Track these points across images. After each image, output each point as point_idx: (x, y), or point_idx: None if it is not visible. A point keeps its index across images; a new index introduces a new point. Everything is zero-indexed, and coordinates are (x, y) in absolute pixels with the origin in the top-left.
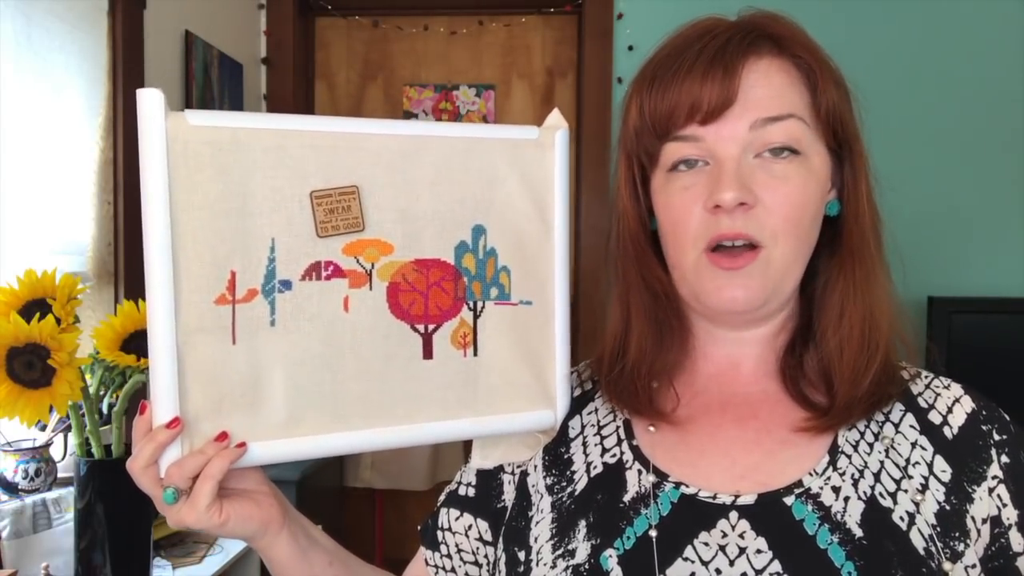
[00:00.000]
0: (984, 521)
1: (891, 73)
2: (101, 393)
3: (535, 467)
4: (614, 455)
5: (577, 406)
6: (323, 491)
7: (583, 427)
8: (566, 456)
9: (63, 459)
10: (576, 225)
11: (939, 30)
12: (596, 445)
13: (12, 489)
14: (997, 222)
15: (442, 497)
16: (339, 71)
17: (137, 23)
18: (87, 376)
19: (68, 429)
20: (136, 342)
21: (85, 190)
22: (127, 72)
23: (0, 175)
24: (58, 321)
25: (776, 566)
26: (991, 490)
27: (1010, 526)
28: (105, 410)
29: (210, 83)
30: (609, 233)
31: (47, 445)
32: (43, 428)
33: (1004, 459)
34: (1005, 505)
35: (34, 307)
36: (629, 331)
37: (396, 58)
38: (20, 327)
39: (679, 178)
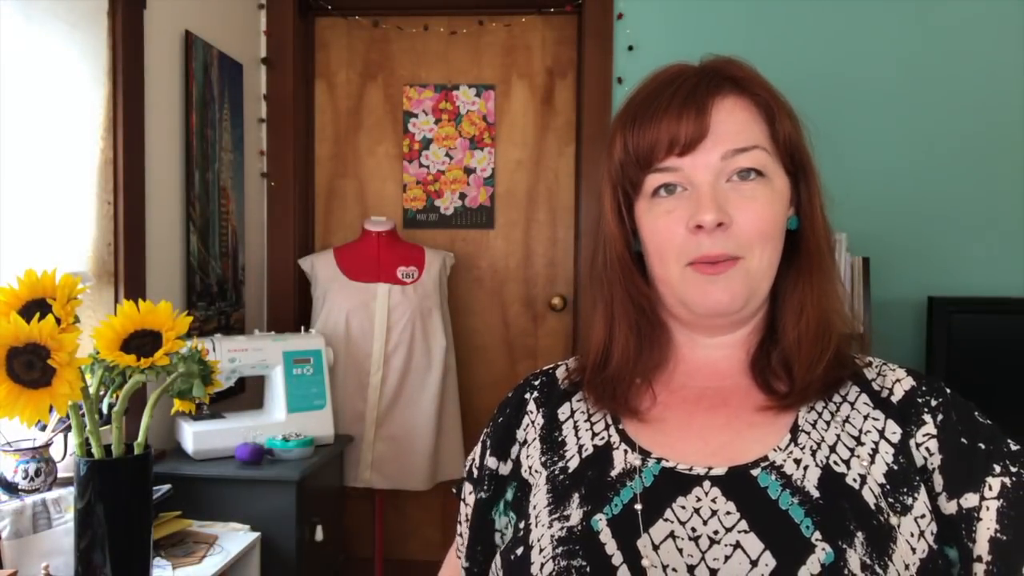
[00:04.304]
0: (915, 473)
1: (891, 73)
2: (101, 393)
3: (529, 455)
4: (603, 438)
5: (568, 395)
6: (323, 491)
7: (573, 412)
8: (559, 439)
9: (63, 459)
10: (576, 225)
11: (939, 30)
12: (587, 430)
13: (12, 489)
14: (997, 222)
15: (466, 467)
16: (339, 71)
17: (137, 23)
18: (87, 376)
19: (68, 429)
20: (136, 342)
21: (85, 190)
22: (127, 72)
23: (0, 175)
24: (58, 321)
25: (743, 524)
26: (918, 445)
27: (933, 470)
28: (105, 410)
29: (210, 83)
30: (594, 252)
31: (47, 445)
32: (43, 428)
33: (940, 418)
34: (932, 454)
35: (34, 307)
36: (613, 341)
37: (396, 58)
38: (20, 327)
39: (661, 203)
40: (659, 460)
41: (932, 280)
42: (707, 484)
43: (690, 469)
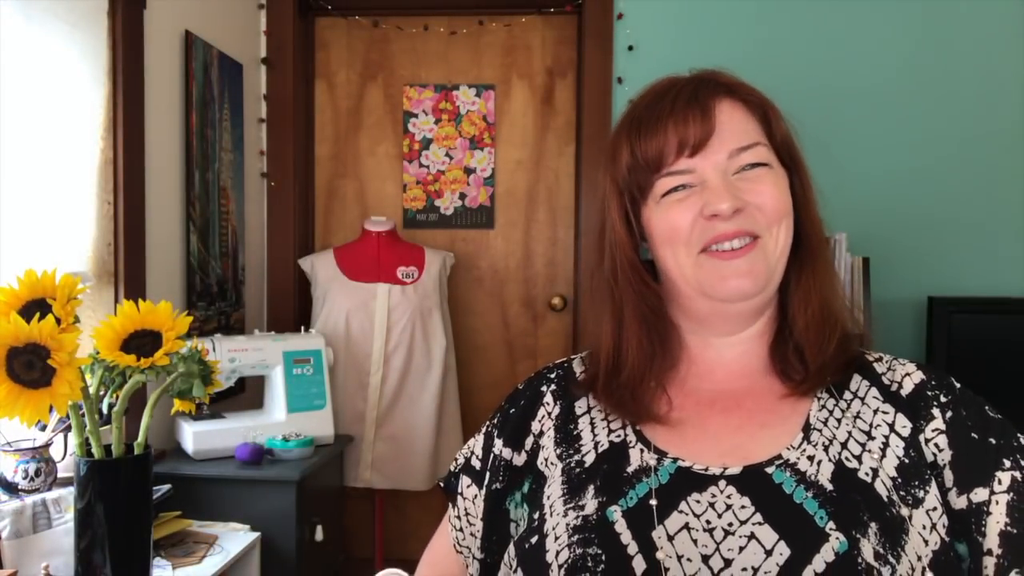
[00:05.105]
0: (926, 467)
1: (891, 73)
2: (101, 393)
3: (543, 447)
4: (619, 436)
5: (585, 388)
6: (323, 491)
7: (590, 408)
8: (575, 432)
9: (63, 459)
10: (576, 225)
11: (938, 30)
12: (603, 427)
13: (12, 489)
14: (997, 222)
15: (460, 460)
16: (339, 71)
17: (137, 23)
18: (87, 376)
19: (68, 429)
20: (136, 342)
21: (85, 190)
22: (127, 72)
23: (0, 175)
24: (58, 321)
25: (758, 517)
26: (928, 440)
27: (944, 466)
28: (105, 410)
29: (210, 83)
30: (597, 262)
31: (47, 445)
32: (43, 428)
33: (949, 414)
34: (942, 450)
35: (34, 307)
36: (623, 345)
37: (396, 58)
38: (20, 327)
39: (672, 196)
40: (675, 460)
41: (932, 280)
42: (723, 483)
43: (706, 469)
